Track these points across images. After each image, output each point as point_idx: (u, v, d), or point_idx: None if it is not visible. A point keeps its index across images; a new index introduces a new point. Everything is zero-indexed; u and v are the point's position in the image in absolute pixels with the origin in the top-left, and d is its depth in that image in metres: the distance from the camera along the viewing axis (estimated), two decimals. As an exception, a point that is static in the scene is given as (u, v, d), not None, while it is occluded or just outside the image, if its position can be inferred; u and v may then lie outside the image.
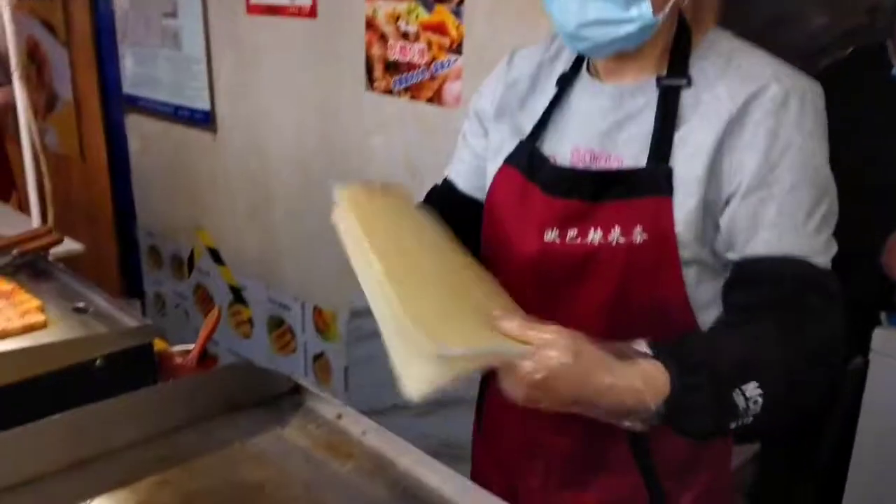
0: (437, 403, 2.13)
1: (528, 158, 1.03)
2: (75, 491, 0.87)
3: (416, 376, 0.75)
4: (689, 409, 0.80)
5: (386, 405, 1.98)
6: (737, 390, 0.80)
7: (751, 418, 0.81)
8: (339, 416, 1.02)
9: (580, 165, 0.99)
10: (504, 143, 1.07)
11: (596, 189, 0.96)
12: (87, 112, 3.45)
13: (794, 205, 0.89)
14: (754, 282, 0.90)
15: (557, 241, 0.97)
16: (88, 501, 0.86)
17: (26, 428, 0.89)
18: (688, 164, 0.91)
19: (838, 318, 0.88)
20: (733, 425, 0.82)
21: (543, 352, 0.77)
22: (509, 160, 1.06)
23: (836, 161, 0.94)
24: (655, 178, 0.92)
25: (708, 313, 0.96)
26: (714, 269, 0.95)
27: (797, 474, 2.37)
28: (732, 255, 0.92)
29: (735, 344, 0.86)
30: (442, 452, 0.94)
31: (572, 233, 0.96)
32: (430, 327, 0.75)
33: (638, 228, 0.92)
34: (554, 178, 0.99)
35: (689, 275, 0.94)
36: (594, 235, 0.95)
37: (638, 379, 0.80)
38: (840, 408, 2.30)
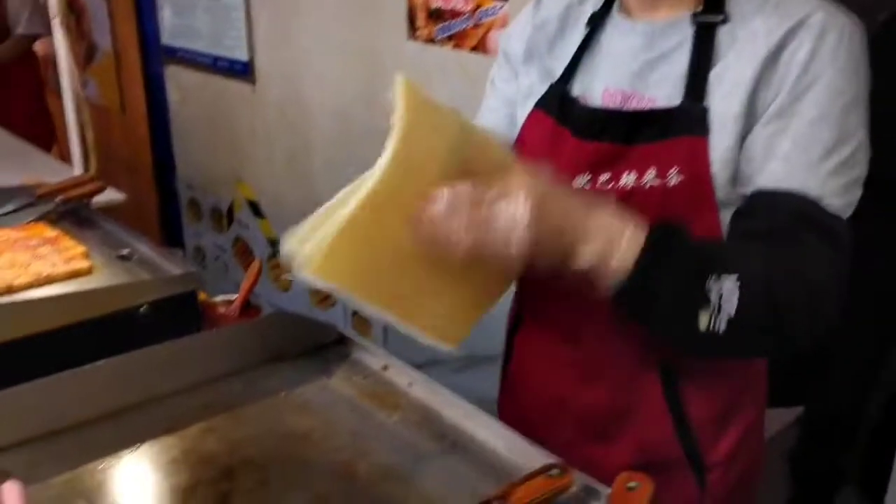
0: (472, 360, 2.12)
1: (559, 102, 1.00)
2: (121, 437, 0.87)
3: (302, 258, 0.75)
4: (659, 271, 0.78)
5: (423, 359, 1.96)
6: (713, 277, 0.78)
7: (723, 324, 0.77)
8: (385, 368, 1.01)
9: (611, 107, 0.96)
10: (534, 87, 1.04)
11: (628, 130, 0.92)
12: (126, 64, 3.45)
13: (810, 140, 0.84)
14: (754, 213, 0.87)
15: (588, 186, 0.94)
16: (136, 446, 0.86)
17: (72, 373, 0.89)
18: (724, 102, 0.88)
19: (836, 264, 0.83)
20: (703, 321, 0.78)
21: (520, 182, 0.77)
22: (539, 104, 1.02)
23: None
24: (690, 117, 0.89)
25: None
26: None
27: (841, 440, 2.33)
28: (745, 190, 0.89)
29: (722, 246, 0.87)
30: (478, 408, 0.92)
31: (604, 177, 0.93)
32: (338, 252, 0.73)
33: (673, 170, 0.89)
34: (585, 121, 0.96)
35: (727, 219, 0.90)
36: (627, 178, 0.92)
37: (615, 217, 0.80)
38: (888, 372, 2.25)
